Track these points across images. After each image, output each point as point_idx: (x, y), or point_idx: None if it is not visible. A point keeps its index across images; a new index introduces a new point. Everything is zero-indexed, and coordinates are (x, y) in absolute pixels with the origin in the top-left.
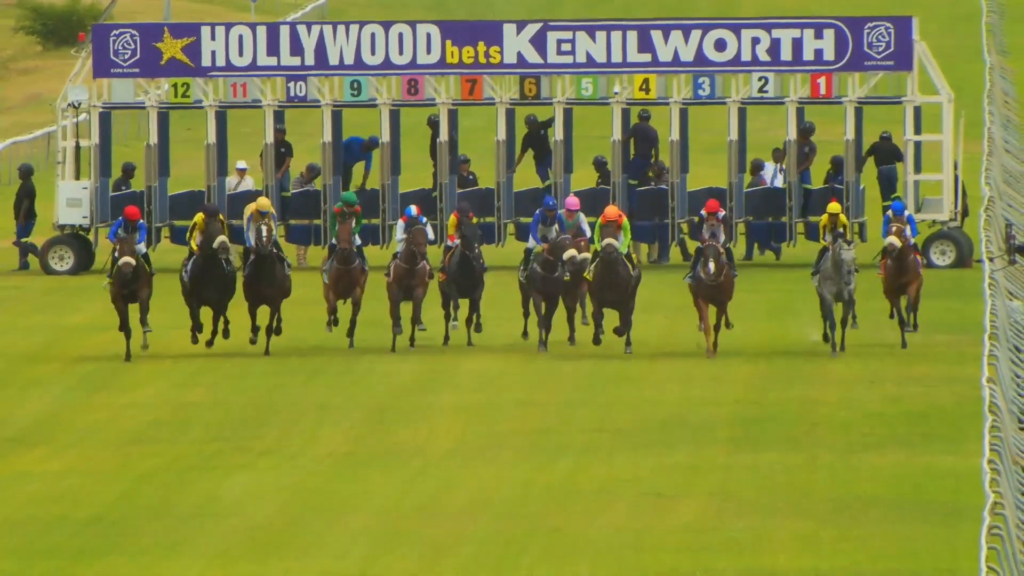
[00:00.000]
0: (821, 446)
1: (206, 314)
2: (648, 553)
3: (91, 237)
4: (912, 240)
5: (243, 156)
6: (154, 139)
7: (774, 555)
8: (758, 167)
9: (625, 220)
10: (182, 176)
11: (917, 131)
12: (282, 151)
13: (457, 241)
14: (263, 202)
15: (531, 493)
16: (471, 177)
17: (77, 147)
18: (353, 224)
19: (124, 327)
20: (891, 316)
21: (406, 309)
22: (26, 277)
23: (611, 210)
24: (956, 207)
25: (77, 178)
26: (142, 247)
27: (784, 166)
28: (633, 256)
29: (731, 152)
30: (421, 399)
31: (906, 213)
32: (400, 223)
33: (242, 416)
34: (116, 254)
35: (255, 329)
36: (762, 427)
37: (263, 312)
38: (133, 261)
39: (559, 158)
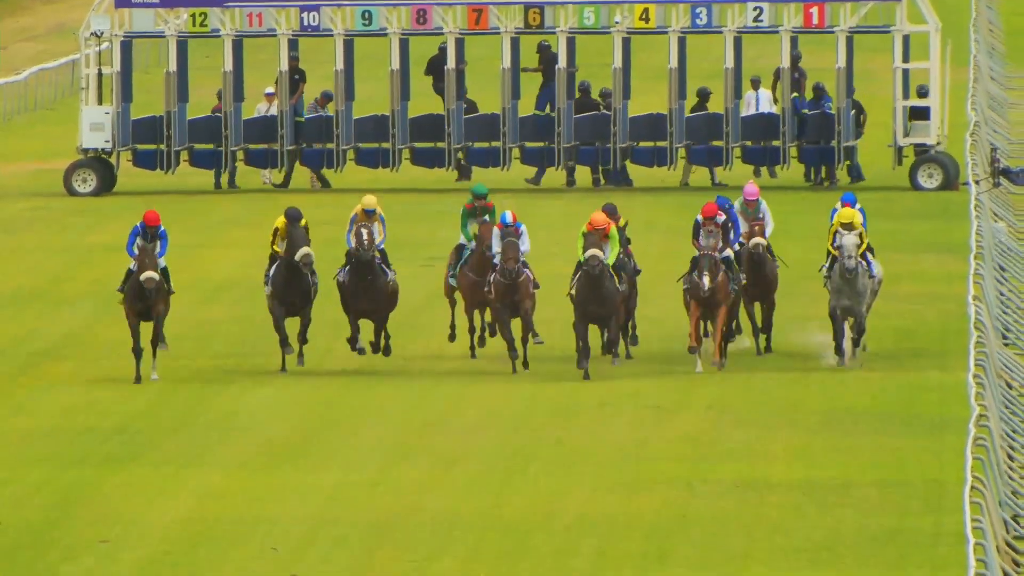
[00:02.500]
0: (812, 360)
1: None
2: (648, 463)
3: (113, 160)
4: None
5: (259, 83)
6: (173, 67)
7: (769, 466)
8: (705, 95)
9: (613, 229)
10: (200, 102)
11: (905, 59)
12: (296, 78)
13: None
14: (369, 200)
15: (536, 408)
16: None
17: (100, 74)
18: (487, 218)
19: (136, 347)
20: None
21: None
22: (51, 199)
23: (598, 217)
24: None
25: (100, 104)
26: (162, 261)
27: (776, 93)
28: (624, 269)
29: (727, 80)
30: (433, 317)
31: (857, 206)
32: (496, 231)
33: (261, 333)
34: (135, 267)
35: (354, 340)
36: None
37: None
38: (157, 276)
39: (563, 87)
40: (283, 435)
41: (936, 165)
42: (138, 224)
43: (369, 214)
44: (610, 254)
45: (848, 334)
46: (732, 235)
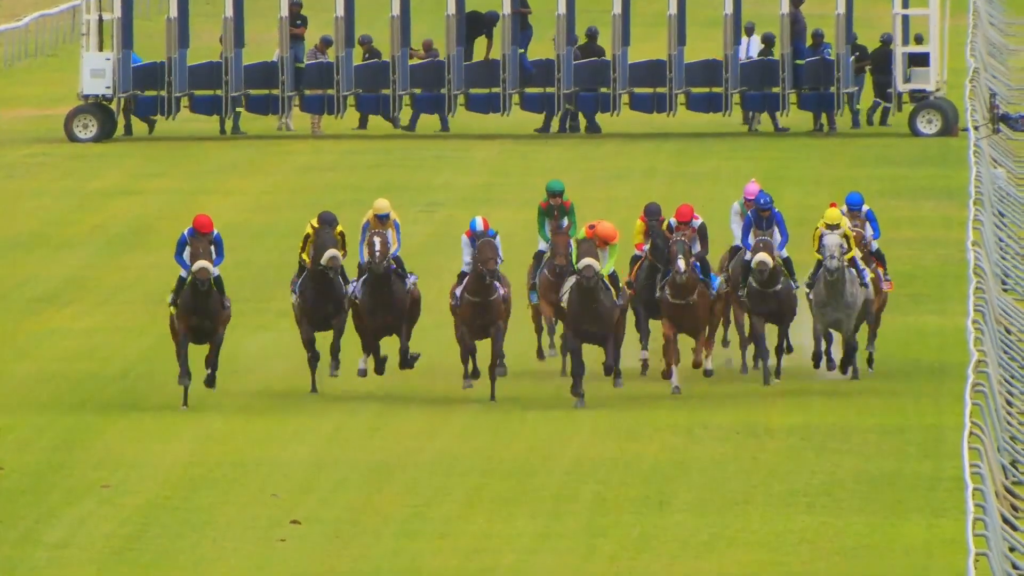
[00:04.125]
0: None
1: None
2: (647, 410)
3: (113, 106)
4: (874, 246)
5: (259, 30)
6: (174, 13)
7: (767, 412)
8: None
9: (616, 242)
10: (200, 48)
11: (905, 5)
12: (298, 23)
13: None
14: (381, 204)
15: (532, 350)
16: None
17: (100, 20)
18: (566, 224)
19: (183, 370)
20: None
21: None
22: (51, 145)
23: (605, 228)
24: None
25: (100, 50)
26: (216, 270)
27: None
28: (621, 280)
29: (726, 26)
30: (432, 259)
31: (864, 208)
32: (464, 239)
33: (262, 277)
34: (186, 275)
35: (378, 362)
36: None
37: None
38: (211, 267)
39: (562, 33)
40: (283, 380)
41: (935, 111)
42: (186, 231)
43: (382, 219)
44: (607, 263)
45: (837, 348)
46: (780, 238)
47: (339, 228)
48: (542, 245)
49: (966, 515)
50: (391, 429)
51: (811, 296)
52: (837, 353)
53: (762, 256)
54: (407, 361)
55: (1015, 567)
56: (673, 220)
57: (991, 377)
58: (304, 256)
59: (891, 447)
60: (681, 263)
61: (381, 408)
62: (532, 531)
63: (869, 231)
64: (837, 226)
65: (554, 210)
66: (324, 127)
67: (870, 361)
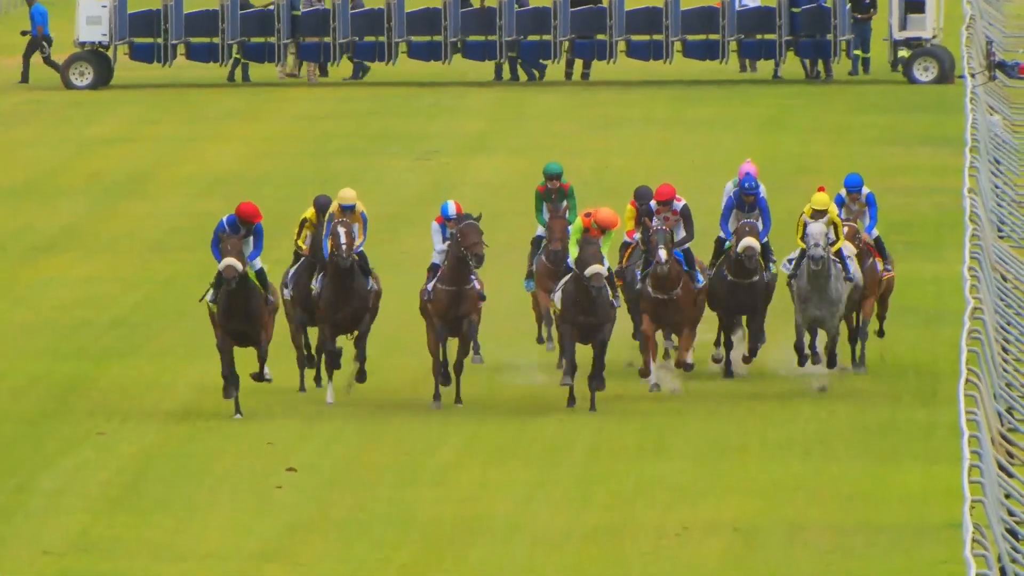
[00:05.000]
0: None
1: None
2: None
3: (109, 53)
4: (873, 234)
5: None
6: None
7: (762, 358)
8: None
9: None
10: None
11: None
12: None
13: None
14: (346, 195)
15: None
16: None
17: None
18: (564, 207)
19: (229, 373)
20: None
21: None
22: (48, 92)
23: (605, 215)
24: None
25: None
26: (258, 262)
27: None
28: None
29: None
30: (428, 208)
31: (864, 191)
32: (434, 225)
33: None
34: (218, 253)
35: (332, 357)
36: None
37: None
38: (239, 265)
39: None
40: (279, 329)
41: (932, 58)
42: (224, 218)
43: (347, 210)
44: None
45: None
46: (762, 226)
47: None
48: (540, 231)
49: (962, 462)
50: (386, 376)
51: (793, 288)
52: (822, 346)
53: (749, 241)
54: (359, 374)
55: (1011, 514)
56: (653, 202)
57: (987, 324)
58: (300, 243)
59: (886, 394)
60: (663, 253)
61: (376, 355)
62: (527, 480)
63: (866, 219)
64: (824, 212)
65: (552, 193)
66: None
67: (861, 359)
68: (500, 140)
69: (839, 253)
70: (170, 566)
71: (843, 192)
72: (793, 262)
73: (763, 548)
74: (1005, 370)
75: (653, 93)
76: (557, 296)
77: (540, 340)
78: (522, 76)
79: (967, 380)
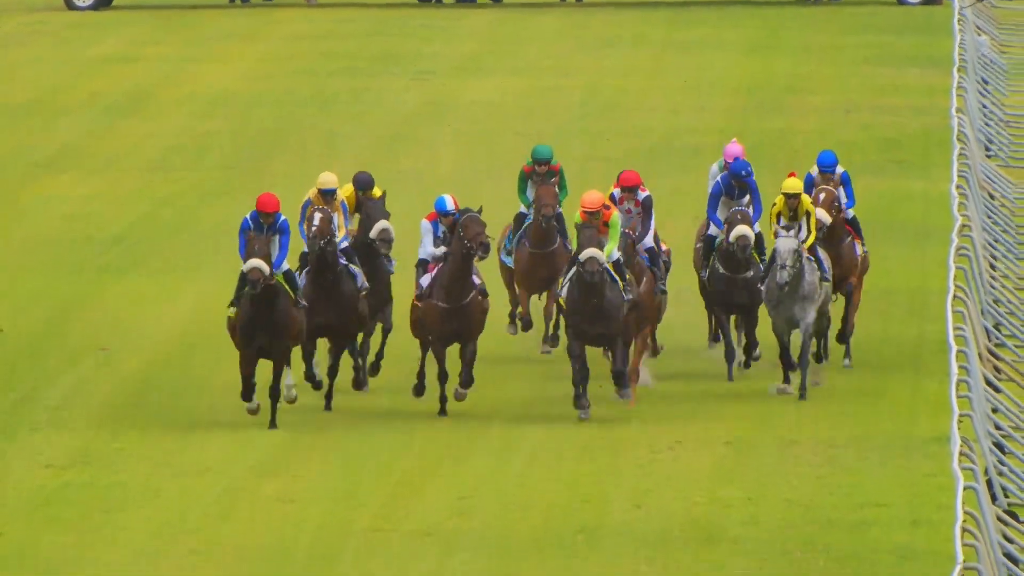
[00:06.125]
0: (800, 172)
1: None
2: None
3: None
4: (849, 213)
5: None
6: None
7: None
8: None
9: (614, 215)
10: None
11: None
12: None
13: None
14: (326, 178)
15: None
16: None
17: None
18: (555, 183)
19: (246, 390)
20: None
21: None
22: (50, 13)
23: (592, 197)
24: None
25: None
26: (284, 264)
27: None
28: (627, 272)
29: None
30: (425, 127)
31: (839, 170)
32: (425, 223)
33: (256, 143)
34: (245, 254)
35: (311, 377)
36: (745, 155)
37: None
38: (266, 267)
39: None
40: None
41: None
42: (248, 215)
43: (327, 196)
44: (608, 246)
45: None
46: (753, 211)
47: (379, 190)
48: (521, 208)
49: (950, 377)
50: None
51: (763, 290)
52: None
53: (743, 229)
54: (327, 382)
55: (998, 428)
56: (616, 188)
57: (975, 241)
58: (342, 223)
59: (877, 310)
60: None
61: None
62: (522, 399)
63: (843, 197)
64: (797, 196)
65: (539, 177)
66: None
67: (847, 353)
68: (495, 61)
69: (812, 249)
70: (170, 480)
71: (814, 171)
72: (767, 266)
73: (755, 462)
74: (992, 286)
75: (646, 15)
76: (564, 291)
77: (512, 323)
78: None
79: (955, 296)
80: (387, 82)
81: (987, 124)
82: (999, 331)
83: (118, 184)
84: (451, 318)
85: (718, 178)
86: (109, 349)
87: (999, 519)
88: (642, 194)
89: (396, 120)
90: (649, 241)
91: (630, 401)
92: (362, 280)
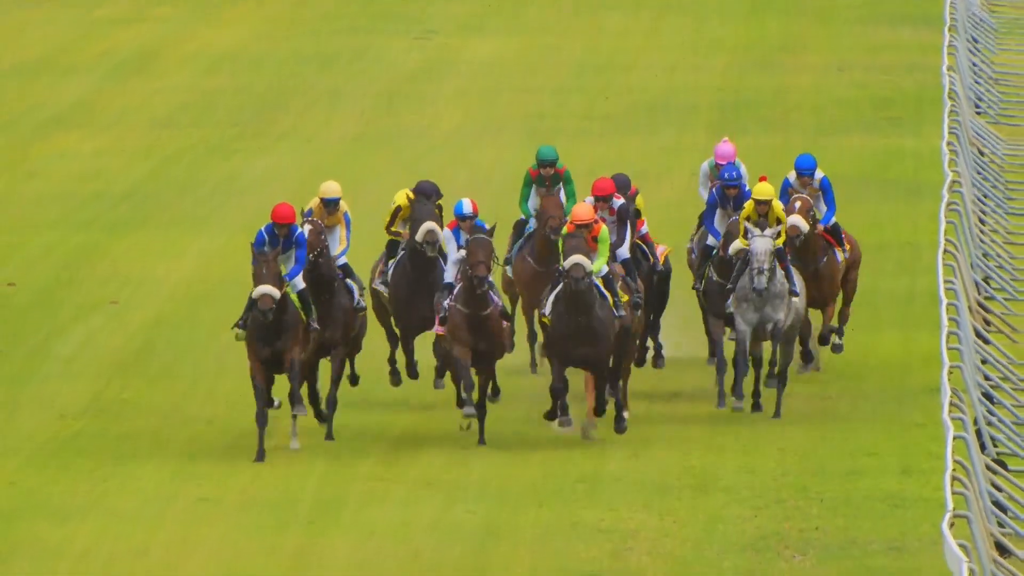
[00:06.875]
0: (794, 129)
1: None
2: None
3: None
4: (829, 223)
5: None
6: None
7: None
8: None
9: (604, 229)
10: None
11: None
12: None
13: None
14: (329, 187)
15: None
16: None
17: None
18: (562, 198)
19: (260, 409)
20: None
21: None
22: None
23: (584, 210)
24: None
25: None
26: (299, 281)
27: None
28: (620, 291)
29: None
30: (426, 86)
31: (819, 175)
32: (447, 232)
33: (262, 101)
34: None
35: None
36: (740, 112)
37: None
38: (276, 293)
39: None
40: (283, 199)
41: None
42: (263, 228)
43: (330, 206)
44: (597, 262)
45: (766, 370)
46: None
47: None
48: (523, 216)
49: (940, 330)
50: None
51: (728, 302)
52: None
53: (741, 244)
54: (329, 411)
55: (987, 379)
56: (590, 197)
57: (965, 196)
58: (395, 229)
59: (869, 264)
60: (578, 263)
61: (378, 222)
62: (520, 360)
63: (822, 206)
64: (768, 203)
65: (546, 180)
66: None
67: (835, 346)
68: (496, 21)
69: (779, 254)
70: (179, 428)
71: (791, 176)
72: (732, 276)
73: (749, 412)
74: (982, 240)
75: None
76: (548, 306)
77: (510, 317)
78: None
79: (945, 250)
80: (389, 41)
81: (977, 82)
82: (988, 284)
83: (126, 141)
84: (474, 327)
85: (713, 189)
86: (119, 302)
87: (988, 468)
88: (617, 202)
89: (398, 78)
90: (625, 252)
91: (595, 431)
92: (358, 296)
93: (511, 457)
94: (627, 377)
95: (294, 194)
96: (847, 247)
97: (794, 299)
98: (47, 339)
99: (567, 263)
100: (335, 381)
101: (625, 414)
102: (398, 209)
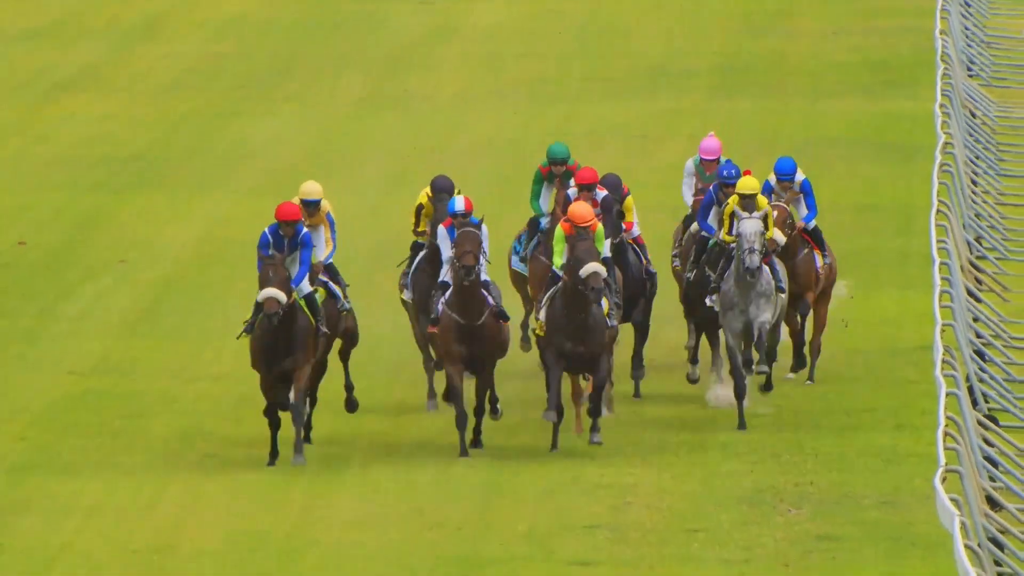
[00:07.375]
0: (792, 93)
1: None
2: (639, 189)
3: None
4: (810, 224)
5: None
6: None
7: None
8: None
9: (599, 228)
10: None
11: None
12: None
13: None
14: (309, 188)
15: (529, 136)
16: None
17: None
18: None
19: (271, 413)
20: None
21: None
22: None
23: (581, 210)
24: None
25: None
26: (306, 285)
27: None
28: (606, 303)
29: None
30: (431, 49)
31: (799, 177)
32: (442, 230)
33: (268, 66)
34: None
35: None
36: (739, 76)
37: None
38: (283, 297)
39: None
40: (290, 162)
41: None
42: (267, 228)
43: (310, 207)
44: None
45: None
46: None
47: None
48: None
49: (933, 288)
50: (392, 209)
51: (711, 300)
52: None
53: (724, 237)
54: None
55: (978, 336)
56: (572, 188)
57: (957, 158)
58: (421, 230)
59: (865, 225)
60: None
61: (384, 188)
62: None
63: (803, 209)
64: (753, 198)
65: (556, 178)
66: None
67: (810, 372)
68: None
69: (768, 259)
70: (186, 386)
71: (771, 179)
72: (717, 275)
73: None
74: (974, 201)
75: None
76: (542, 314)
77: (524, 332)
78: None
79: (938, 211)
80: (394, 6)
81: (969, 45)
82: (980, 244)
83: (134, 105)
84: (466, 336)
85: (710, 188)
86: (127, 262)
87: (979, 424)
88: (600, 193)
89: (403, 43)
90: (607, 250)
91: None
92: (342, 299)
93: (508, 419)
94: (610, 389)
95: (301, 157)
96: (829, 258)
97: (781, 295)
98: (57, 298)
99: (585, 271)
100: (303, 392)
101: (604, 415)
102: (420, 207)
